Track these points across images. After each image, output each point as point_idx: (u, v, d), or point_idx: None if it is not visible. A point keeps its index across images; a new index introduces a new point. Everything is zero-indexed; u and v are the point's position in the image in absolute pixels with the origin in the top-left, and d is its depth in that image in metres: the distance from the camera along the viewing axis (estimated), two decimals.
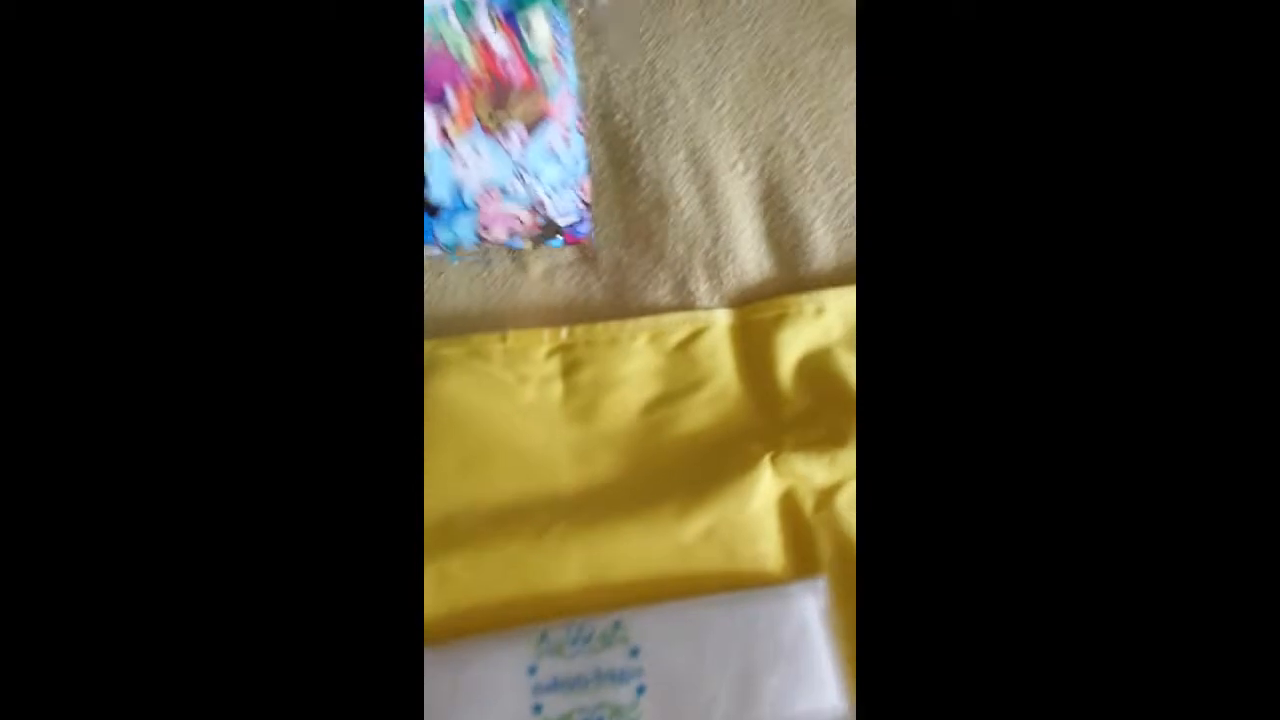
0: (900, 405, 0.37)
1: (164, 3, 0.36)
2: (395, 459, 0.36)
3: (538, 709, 0.53)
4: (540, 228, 0.65)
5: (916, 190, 0.37)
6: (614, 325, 0.67)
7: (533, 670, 0.54)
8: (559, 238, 0.66)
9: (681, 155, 0.71)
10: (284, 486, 0.36)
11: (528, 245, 0.66)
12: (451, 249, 0.63)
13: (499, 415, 0.63)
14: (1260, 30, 0.35)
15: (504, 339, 0.66)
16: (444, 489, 0.60)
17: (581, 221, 0.66)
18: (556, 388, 0.65)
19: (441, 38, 0.58)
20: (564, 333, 0.66)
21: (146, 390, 0.35)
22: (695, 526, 0.59)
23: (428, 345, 0.65)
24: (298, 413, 0.36)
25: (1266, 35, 0.35)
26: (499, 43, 0.60)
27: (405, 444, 0.37)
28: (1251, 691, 0.34)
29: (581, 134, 0.65)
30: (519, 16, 0.60)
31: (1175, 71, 0.36)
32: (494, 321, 0.67)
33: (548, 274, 0.69)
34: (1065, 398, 0.36)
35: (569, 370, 0.65)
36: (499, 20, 0.60)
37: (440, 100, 0.59)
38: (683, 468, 0.62)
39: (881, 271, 0.38)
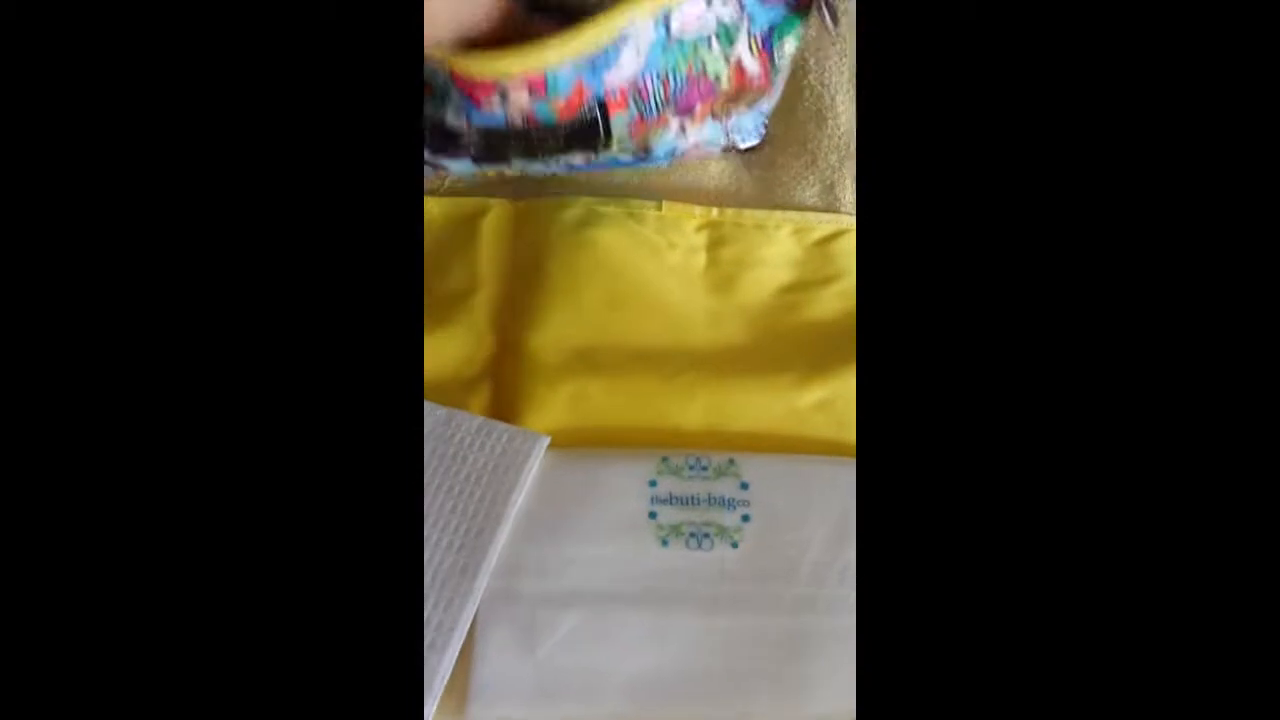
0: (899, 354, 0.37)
1: None
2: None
3: (653, 515, 0.58)
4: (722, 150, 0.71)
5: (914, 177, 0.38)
6: (762, 213, 0.72)
7: (653, 484, 0.59)
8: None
9: (845, 75, 0.76)
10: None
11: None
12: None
13: (647, 270, 0.69)
14: (1260, 31, 0.35)
15: (659, 207, 0.71)
16: (591, 321, 0.66)
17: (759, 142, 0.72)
18: (701, 258, 0.70)
19: (703, 64, 0.62)
20: (715, 211, 0.72)
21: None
22: (811, 396, 0.64)
23: (588, 201, 0.71)
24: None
25: (1266, 36, 0.35)
26: (751, 64, 0.64)
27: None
28: (1251, 690, 0.34)
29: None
30: (774, 43, 0.64)
31: (1168, 66, 0.36)
32: (650, 194, 0.73)
33: (704, 162, 0.75)
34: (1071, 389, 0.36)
35: (714, 245, 0.71)
36: (757, 46, 0.63)
37: (689, 112, 0.64)
38: (806, 345, 0.67)
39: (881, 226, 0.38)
